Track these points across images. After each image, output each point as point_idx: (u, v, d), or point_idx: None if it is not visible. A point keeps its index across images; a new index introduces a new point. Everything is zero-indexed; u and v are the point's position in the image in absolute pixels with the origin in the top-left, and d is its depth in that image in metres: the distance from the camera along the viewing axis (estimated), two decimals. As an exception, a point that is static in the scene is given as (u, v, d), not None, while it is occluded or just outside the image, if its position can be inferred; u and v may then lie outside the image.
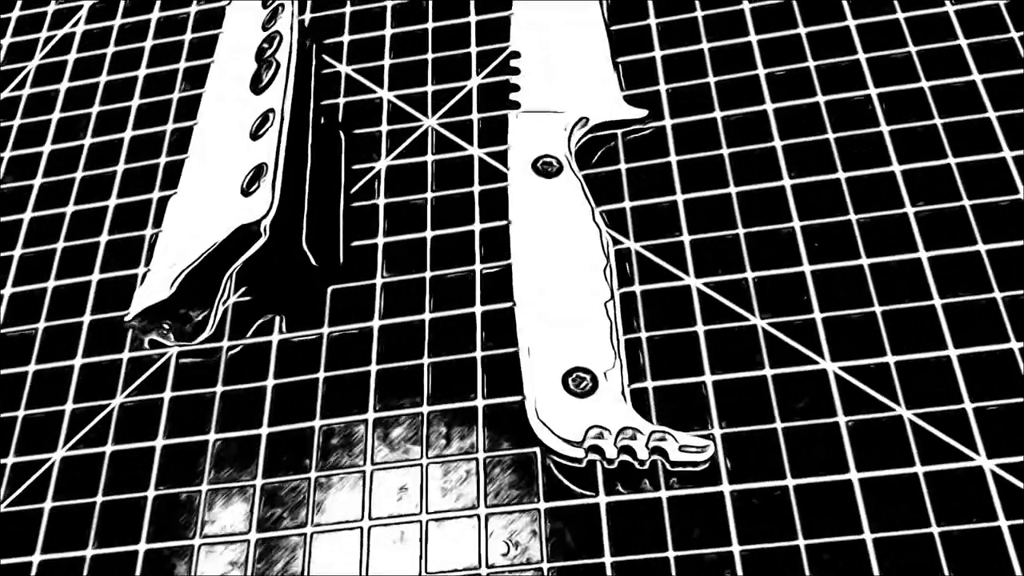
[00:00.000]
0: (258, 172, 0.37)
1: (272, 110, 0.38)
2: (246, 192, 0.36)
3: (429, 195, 0.40)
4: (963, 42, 0.40)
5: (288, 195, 0.36)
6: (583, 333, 0.34)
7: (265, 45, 0.41)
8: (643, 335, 0.35)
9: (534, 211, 0.37)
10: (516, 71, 0.41)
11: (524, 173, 0.37)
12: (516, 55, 0.41)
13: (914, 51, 0.40)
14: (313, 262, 0.37)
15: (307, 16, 0.46)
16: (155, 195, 0.42)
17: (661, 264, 0.37)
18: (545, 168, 0.37)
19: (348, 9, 0.46)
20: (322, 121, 0.41)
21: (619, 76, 0.41)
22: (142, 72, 0.46)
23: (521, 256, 0.36)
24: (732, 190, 0.38)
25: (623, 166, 0.39)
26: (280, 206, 0.36)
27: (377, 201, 0.40)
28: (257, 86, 0.40)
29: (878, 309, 0.34)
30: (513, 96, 0.40)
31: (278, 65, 0.40)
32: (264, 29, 0.42)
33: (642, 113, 0.40)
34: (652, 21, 0.43)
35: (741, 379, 0.34)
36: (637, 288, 0.36)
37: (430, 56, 0.44)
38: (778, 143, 0.38)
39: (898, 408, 0.32)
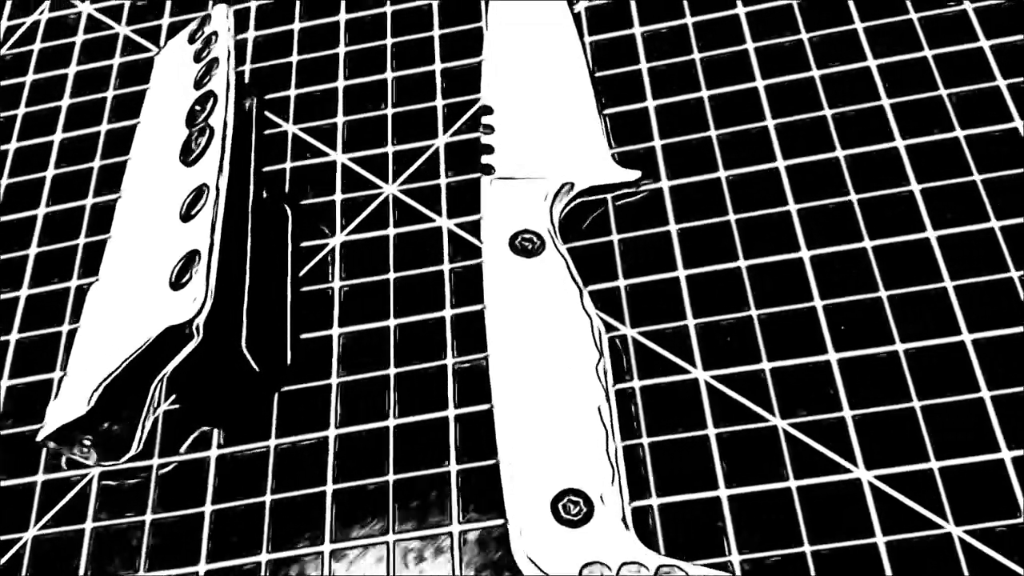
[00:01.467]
0: (189, 260, 0.34)
1: (205, 186, 0.36)
2: (175, 284, 0.34)
3: (391, 276, 0.38)
4: (1001, 83, 0.38)
5: (224, 287, 0.34)
6: (574, 445, 0.31)
7: (197, 107, 0.39)
8: (644, 441, 0.33)
9: (513, 296, 0.34)
10: (489, 129, 0.39)
11: (500, 252, 0.35)
12: (488, 110, 0.39)
13: (944, 93, 0.38)
14: (254, 367, 0.34)
15: (247, 67, 0.44)
16: (73, 283, 0.40)
17: (663, 354, 0.34)
18: (524, 246, 0.35)
19: (295, 58, 0.44)
20: (264, 194, 0.39)
21: (607, 131, 0.39)
22: (57, 136, 0.44)
23: (499, 349, 0.34)
24: (742, 264, 0.35)
25: (615, 237, 0.37)
26: (215, 302, 0.33)
27: (331, 284, 0.38)
28: (188, 156, 0.38)
29: (917, 404, 0.32)
30: (486, 159, 0.38)
31: (212, 132, 0.37)
32: (197, 87, 0.40)
33: (635, 175, 0.38)
34: (643, 66, 0.41)
35: (761, 493, 0.31)
36: (636, 384, 0.34)
37: (390, 111, 0.42)
38: (792, 206, 0.36)
39: (947, 525, 0.30)
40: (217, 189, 0.36)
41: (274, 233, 0.39)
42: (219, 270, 0.34)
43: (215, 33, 0.42)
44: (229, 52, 0.40)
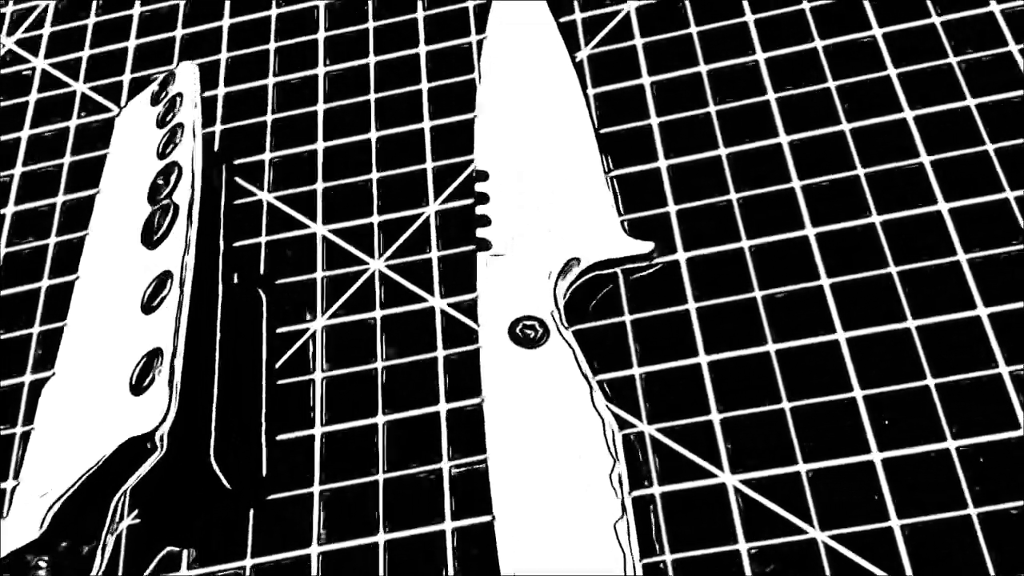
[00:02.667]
0: (151, 360, 0.32)
1: (169, 273, 0.34)
2: (136, 388, 0.32)
3: (379, 364, 0.35)
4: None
5: (190, 390, 0.32)
6: (587, 569, 0.29)
7: (160, 181, 0.37)
8: (667, 558, 0.30)
9: (514, 393, 0.32)
10: (484, 198, 0.37)
11: (499, 342, 0.33)
12: (483, 176, 0.37)
13: (991, 148, 0.35)
14: (224, 483, 0.32)
15: (216, 127, 0.42)
16: (27, 378, 0.37)
17: (685, 455, 0.32)
18: (526, 334, 0.33)
19: (269, 117, 0.42)
20: (235, 277, 0.37)
21: (615, 197, 0.37)
22: (9, 209, 0.42)
23: (500, 455, 0.31)
24: (771, 348, 0.33)
25: (627, 318, 0.35)
26: (180, 408, 0.31)
27: (312, 376, 0.35)
28: (150, 237, 0.35)
29: (973, 512, 0.30)
30: (481, 232, 0.36)
31: (176, 210, 0.35)
32: (160, 156, 0.38)
33: (648, 246, 0.35)
34: (654, 120, 0.39)
35: (801, 618, 0.29)
36: (656, 490, 0.31)
37: (374, 175, 0.40)
38: (825, 280, 0.34)
39: (1014, 654, 0.28)
40: (182, 277, 0.34)
41: (247, 320, 0.36)
42: (184, 370, 0.32)
43: (180, 95, 0.39)
44: (195, 117, 0.38)
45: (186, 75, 0.40)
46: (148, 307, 0.34)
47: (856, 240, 0.35)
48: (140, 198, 0.38)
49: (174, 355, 0.32)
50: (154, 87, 0.41)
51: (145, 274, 0.35)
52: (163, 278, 0.34)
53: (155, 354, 0.32)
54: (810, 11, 0.40)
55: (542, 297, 0.33)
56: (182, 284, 0.33)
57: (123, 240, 0.37)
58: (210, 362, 0.34)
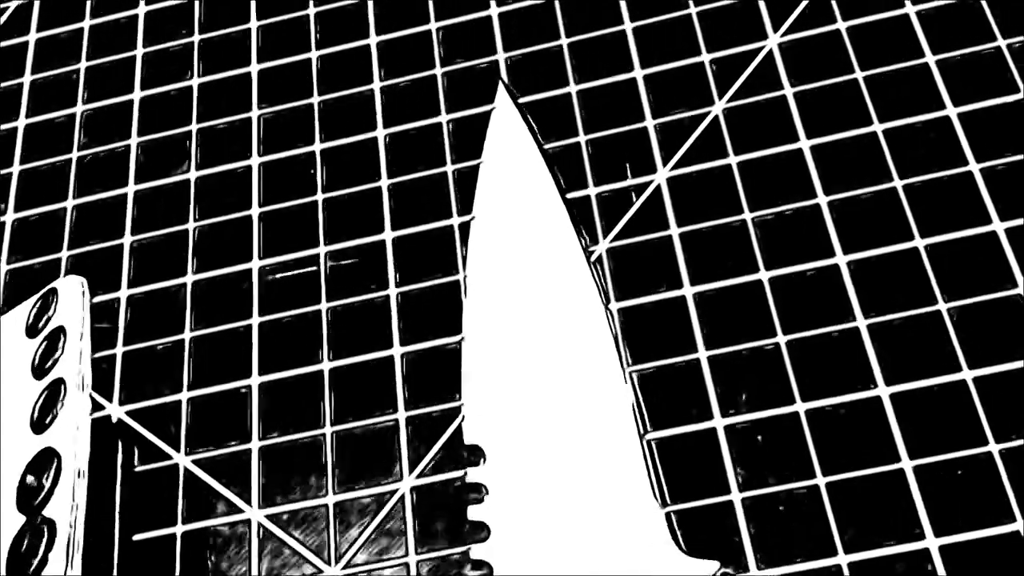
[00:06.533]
0: None
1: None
2: None
3: None
4: None
5: None
6: None
7: (31, 479, 0.28)
8: None
9: None
10: (477, 491, 0.28)
11: None
12: (475, 454, 0.28)
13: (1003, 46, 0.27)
14: None
15: (117, 349, 0.33)
16: None
17: None
18: None
19: (188, 334, 0.33)
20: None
21: (657, 479, 0.28)
22: None
23: None
24: None
25: (685, 671, 0.26)
26: None
27: None
28: (22, 568, 0.26)
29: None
30: (477, 552, 0.27)
31: (53, 533, 0.26)
32: (35, 428, 0.29)
33: (710, 568, 0.26)
34: (702, 354, 0.30)
35: None
36: None
37: (328, 430, 0.31)
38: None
39: None
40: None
41: None
42: None
43: (62, 331, 0.30)
44: (82, 373, 0.29)
45: (71, 295, 0.31)
46: None
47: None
48: (9, 493, 0.29)
49: None
50: (31, 308, 0.32)
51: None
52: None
53: None
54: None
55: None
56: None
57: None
58: None
